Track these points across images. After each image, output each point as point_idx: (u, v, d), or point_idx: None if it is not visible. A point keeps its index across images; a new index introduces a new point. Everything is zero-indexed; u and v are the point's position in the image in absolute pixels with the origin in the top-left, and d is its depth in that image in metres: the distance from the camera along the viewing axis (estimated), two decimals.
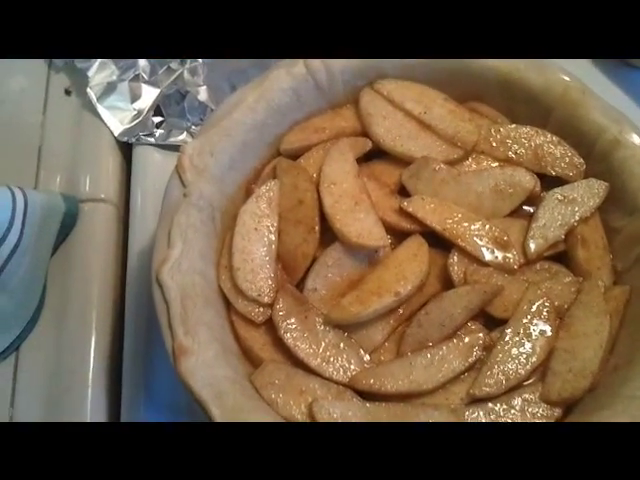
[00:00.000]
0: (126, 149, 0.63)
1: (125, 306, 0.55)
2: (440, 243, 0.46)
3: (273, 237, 0.46)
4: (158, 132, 0.62)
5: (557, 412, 0.41)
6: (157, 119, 0.62)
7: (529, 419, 0.40)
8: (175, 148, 0.63)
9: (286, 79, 0.50)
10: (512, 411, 0.40)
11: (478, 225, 0.46)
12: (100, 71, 0.64)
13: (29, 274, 0.51)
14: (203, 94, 0.63)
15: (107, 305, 0.54)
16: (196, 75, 0.63)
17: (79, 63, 0.64)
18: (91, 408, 0.50)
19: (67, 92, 0.65)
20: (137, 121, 0.62)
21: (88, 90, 0.62)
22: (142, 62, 0.64)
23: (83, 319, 0.53)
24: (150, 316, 0.54)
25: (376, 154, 0.51)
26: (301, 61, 0.50)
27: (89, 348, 0.52)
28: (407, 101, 0.51)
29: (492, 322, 0.44)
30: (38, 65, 0.66)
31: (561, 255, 0.47)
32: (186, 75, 0.63)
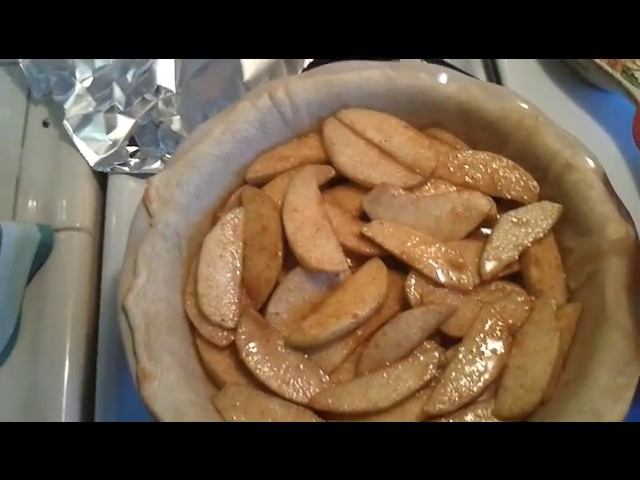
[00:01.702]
0: (101, 178, 0.65)
1: (99, 334, 0.56)
2: (399, 266, 0.48)
3: (238, 263, 0.48)
4: (133, 161, 0.64)
5: None
6: (132, 149, 0.64)
7: None
8: (149, 176, 0.64)
9: (251, 111, 0.52)
10: None
11: (434, 248, 0.47)
12: (77, 103, 0.66)
13: (4, 304, 0.52)
14: (176, 124, 0.65)
15: (81, 333, 0.56)
16: (170, 105, 0.65)
17: (56, 96, 0.66)
18: None
19: (45, 124, 0.67)
20: (112, 151, 0.64)
21: (65, 122, 0.64)
22: (117, 93, 0.66)
23: (57, 348, 0.55)
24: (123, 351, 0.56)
25: (339, 181, 0.53)
26: (266, 94, 0.52)
27: (62, 377, 0.54)
28: (368, 129, 0.53)
29: (448, 341, 0.46)
30: (17, 97, 0.68)
31: (516, 275, 0.49)
32: (160, 105, 0.65)
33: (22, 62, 0.67)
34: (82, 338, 0.56)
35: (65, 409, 0.52)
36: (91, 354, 0.56)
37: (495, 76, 0.73)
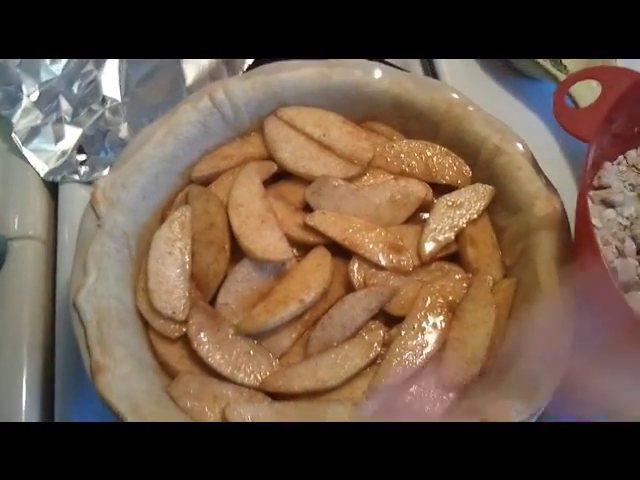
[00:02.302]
0: (52, 187, 0.66)
1: (55, 338, 0.57)
2: (343, 252, 0.50)
3: (187, 258, 0.50)
4: (82, 169, 0.65)
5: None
6: (81, 157, 0.65)
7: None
8: None
9: (193, 113, 0.53)
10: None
11: (374, 233, 0.50)
12: (24, 116, 0.66)
13: None
14: (124, 131, 0.66)
15: (38, 338, 0.57)
16: (117, 114, 0.67)
17: (3, 110, 0.67)
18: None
19: None
20: (62, 161, 0.65)
21: (13, 135, 0.65)
22: (64, 105, 0.67)
23: (14, 354, 0.55)
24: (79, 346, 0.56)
25: (282, 175, 0.55)
26: (206, 96, 0.54)
27: (21, 383, 0.54)
28: (308, 125, 0.55)
29: (392, 320, 0.48)
30: None
31: (455, 255, 0.51)
32: (107, 115, 0.67)
33: None
34: (39, 343, 0.56)
35: (25, 412, 0.53)
36: (48, 358, 0.56)
37: (430, 67, 0.75)
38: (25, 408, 0.53)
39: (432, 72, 0.75)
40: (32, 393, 0.54)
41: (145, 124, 0.65)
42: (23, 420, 0.53)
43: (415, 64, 0.76)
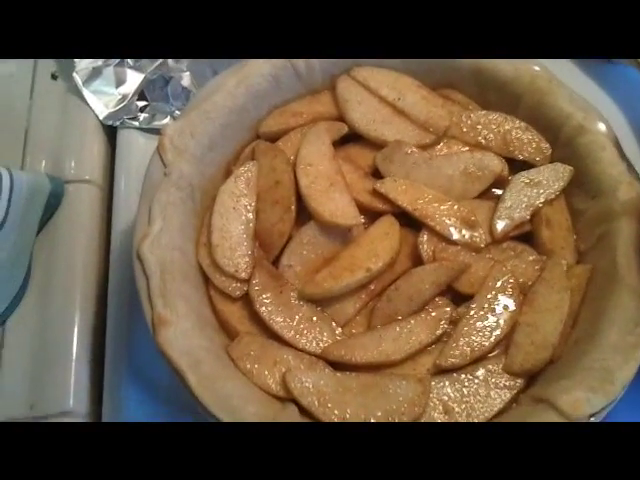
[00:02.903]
0: (110, 132, 0.64)
1: (108, 284, 0.56)
2: (411, 223, 0.48)
3: (251, 216, 0.48)
4: (142, 116, 0.64)
5: (519, 382, 0.43)
6: (141, 103, 0.64)
7: (492, 389, 0.42)
8: (158, 132, 0.63)
9: (265, 65, 0.51)
10: (476, 381, 0.42)
11: (447, 206, 0.48)
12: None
13: (14, 252, 0.52)
14: (186, 80, 0.64)
15: (91, 283, 0.56)
16: (179, 62, 0.65)
17: None
18: (74, 383, 0.52)
19: (53, 76, 0.66)
20: (122, 105, 0.64)
21: (74, 75, 0.64)
22: None
23: (67, 296, 0.55)
24: (132, 294, 0.55)
25: (352, 138, 0.53)
26: None
27: (73, 325, 0.54)
28: (382, 87, 0.53)
29: (459, 298, 0.46)
30: None
31: (527, 235, 0.49)
32: (170, 61, 0.65)
33: None
34: (92, 287, 0.56)
35: (75, 357, 0.53)
36: (101, 303, 0.56)
37: None
38: (75, 358, 0.52)
39: None
40: (83, 343, 0.53)
41: (208, 74, 0.65)
42: (73, 367, 0.52)
43: None
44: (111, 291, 0.56)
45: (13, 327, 0.54)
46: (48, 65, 0.67)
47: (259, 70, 0.51)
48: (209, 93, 0.50)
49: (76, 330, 0.54)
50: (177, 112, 0.64)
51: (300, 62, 0.52)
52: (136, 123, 0.63)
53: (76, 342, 0.53)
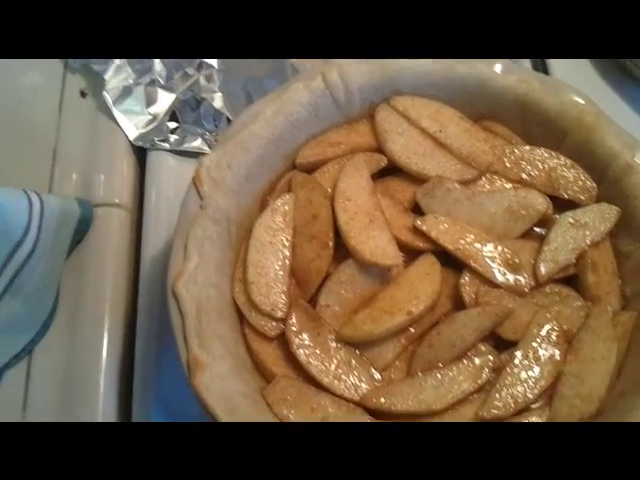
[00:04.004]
0: (140, 154, 0.63)
1: (137, 311, 0.55)
2: (451, 262, 0.47)
3: (287, 252, 0.47)
4: (173, 137, 0.63)
5: None
6: (172, 125, 0.63)
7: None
8: (189, 154, 0.63)
9: (304, 93, 0.50)
10: None
11: (490, 246, 0.46)
12: (116, 74, 0.64)
13: (43, 279, 0.51)
14: (218, 101, 0.63)
15: (119, 309, 0.55)
16: (212, 82, 0.64)
17: (95, 65, 0.64)
18: (102, 411, 0.51)
19: (82, 94, 0.65)
20: (152, 126, 0.63)
21: (104, 93, 0.63)
22: (158, 66, 0.64)
23: (95, 323, 0.54)
24: (162, 321, 0.55)
25: (390, 170, 0.51)
26: (319, 76, 0.50)
27: (101, 352, 0.53)
28: (423, 118, 0.51)
29: (501, 343, 0.45)
30: (54, 65, 0.67)
31: (571, 278, 0.48)
32: (202, 81, 0.63)
33: None
34: (120, 314, 0.55)
35: (103, 383, 0.51)
36: (129, 330, 0.55)
37: (543, 71, 0.71)
38: (103, 385, 0.51)
39: (541, 62, 0.71)
40: (110, 371, 0.52)
41: (241, 96, 0.63)
42: (101, 393, 0.51)
43: (526, 62, 0.71)
44: (140, 317, 0.55)
45: (40, 354, 0.53)
46: (77, 81, 0.66)
47: (298, 98, 0.50)
48: (246, 122, 0.49)
49: (104, 358, 0.53)
50: (208, 134, 0.63)
51: (340, 89, 0.51)
52: (166, 145, 0.62)
53: (104, 370, 0.52)
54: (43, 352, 0.53)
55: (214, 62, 0.64)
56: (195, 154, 0.63)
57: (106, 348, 0.53)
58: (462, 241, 0.46)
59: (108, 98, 0.63)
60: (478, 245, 0.46)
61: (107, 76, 0.63)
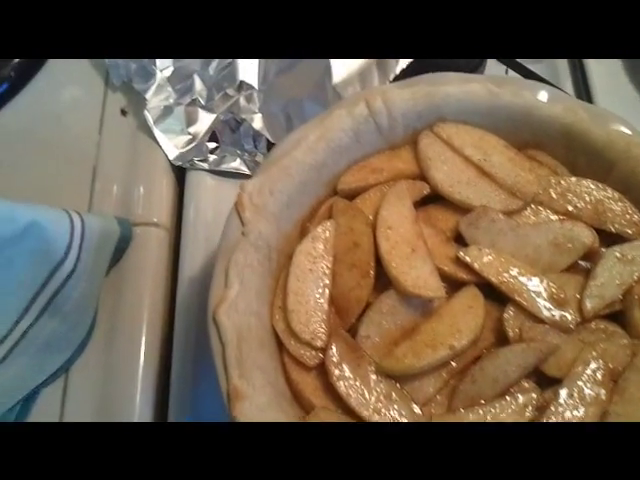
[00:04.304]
0: (179, 173, 0.64)
1: (174, 331, 0.56)
2: (495, 294, 0.46)
3: (327, 280, 0.46)
4: (212, 157, 0.63)
5: None
6: (212, 145, 0.63)
7: None
8: (227, 174, 0.63)
9: (347, 120, 0.50)
10: None
11: (535, 280, 0.45)
12: (157, 94, 0.64)
13: (83, 298, 0.52)
14: (258, 122, 0.63)
15: (156, 329, 0.55)
16: (252, 102, 0.64)
17: (136, 84, 0.65)
18: None
19: (123, 112, 0.66)
20: (192, 146, 0.63)
21: (145, 112, 0.63)
22: (199, 86, 0.64)
23: (132, 342, 0.54)
24: (198, 342, 0.55)
25: (432, 197, 0.51)
26: (362, 102, 0.50)
27: (137, 371, 0.53)
28: (467, 146, 0.51)
29: (544, 379, 0.44)
30: (95, 82, 0.68)
31: (617, 315, 0.47)
32: (242, 102, 0.64)
33: None
34: (157, 334, 0.55)
35: (139, 404, 0.52)
36: (166, 349, 0.55)
37: (585, 91, 0.70)
38: (139, 405, 0.51)
39: (585, 93, 0.70)
40: (146, 392, 0.52)
41: (280, 117, 0.63)
42: (136, 412, 0.51)
43: (566, 81, 0.71)
44: (176, 338, 0.55)
45: (77, 372, 0.53)
46: (118, 99, 0.67)
47: (340, 124, 0.50)
48: (288, 148, 0.49)
49: (140, 378, 0.53)
50: (247, 155, 0.63)
51: (383, 116, 0.50)
52: (205, 165, 0.62)
53: (139, 390, 0.53)
54: (80, 370, 0.53)
55: (254, 83, 0.64)
56: (233, 174, 0.63)
57: (142, 367, 0.53)
58: (506, 274, 0.46)
59: (149, 117, 0.63)
60: (523, 279, 0.45)
61: (148, 95, 0.64)
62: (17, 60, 0.68)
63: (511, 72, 0.71)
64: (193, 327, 0.55)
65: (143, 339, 0.54)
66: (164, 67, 0.66)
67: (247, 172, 0.63)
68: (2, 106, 0.66)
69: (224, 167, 0.62)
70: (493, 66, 0.71)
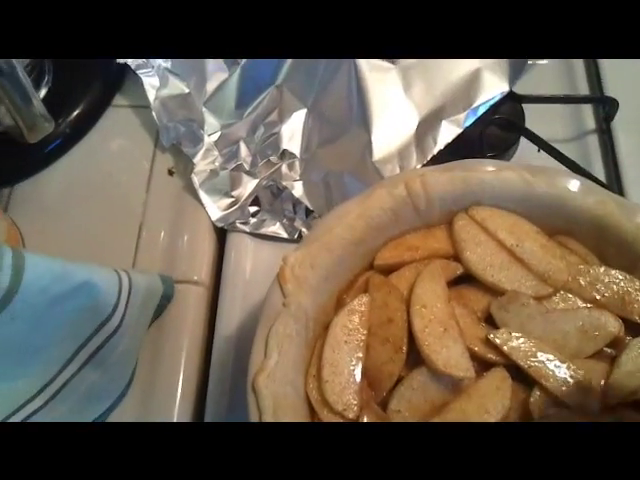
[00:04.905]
0: (220, 234, 0.66)
1: (208, 386, 0.58)
2: (521, 375, 0.48)
3: (361, 353, 0.48)
4: (252, 221, 0.66)
5: None
6: (253, 209, 0.66)
7: None
8: (266, 237, 0.66)
9: (387, 199, 0.52)
10: None
11: (563, 367, 0.47)
12: (204, 157, 0.68)
13: (125, 352, 0.54)
14: (298, 189, 0.66)
15: (191, 383, 0.57)
16: (293, 170, 0.67)
17: (185, 147, 0.68)
18: None
19: (170, 173, 0.69)
20: (234, 208, 0.66)
21: (192, 176, 0.66)
22: (244, 152, 0.68)
23: (168, 395, 0.56)
24: (231, 398, 0.57)
25: (463, 277, 0.53)
26: (402, 184, 0.53)
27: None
28: (500, 230, 0.53)
29: None
30: (145, 142, 0.71)
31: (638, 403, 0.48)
32: (284, 169, 0.67)
33: (154, 107, 0.69)
34: (192, 388, 0.57)
35: None
36: (200, 404, 0.57)
37: (619, 193, 0.71)
38: None
39: (616, 180, 0.72)
40: None
41: (320, 187, 0.66)
42: None
43: (599, 168, 0.73)
44: (210, 394, 0.57)
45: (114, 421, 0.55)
46: (166, 160, 0.70)
47: (381, 203, 0.52)
48: (331, 224, 0.51)
49: None
50: (286, 220, 0.66)
51: (421, 198, 0.53)
52: (246, 227, 0.65)
53: None
54: (116, 420, 0.55)
55: (297, 152, 0.67)
56: (272, 237, 0.66)
57: (176, 420, 0.55)
58: (534, 358, 0.47)
59: (195, 179, 0.66)
60: (550, 364, 0.47)
61: (196, 159, 0.67)
62: (73, 116, 0.72)
63: (543, 153, 0.73)
64: (227, 383, 0.57)
65: (179, 393, 0.56)
66: (212, 132, 0.69)
67: (285, 236, 0.66)
68: (55, 161, 0.70)
69: (263, 230, 0.65)
70: (525, 146, 0.73)
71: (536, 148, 0.74)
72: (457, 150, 0.65)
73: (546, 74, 0.77)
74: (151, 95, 0.70)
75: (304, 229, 0.65)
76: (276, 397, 0.44)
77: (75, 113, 0.71)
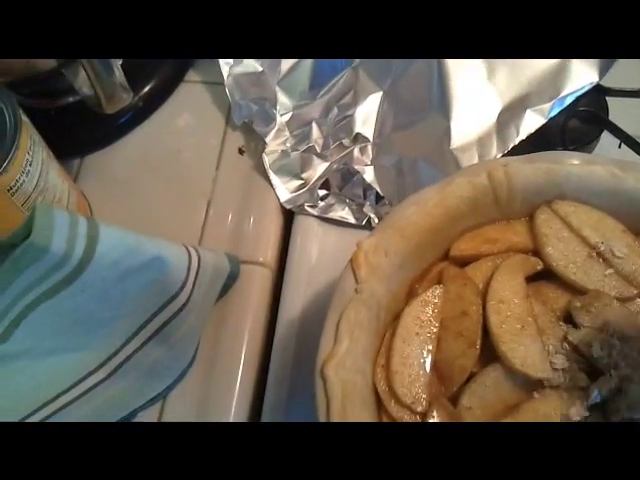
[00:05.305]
0: (287, 216, 0.65)
1: (269, 372, 0.57)
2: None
3: (432, 345, 0.47)
4: (321, 204, 0.64)
5: None
6: (322, 192, 0.65)
7: None
8: (334, 221, 0.64)
9: (467, 188, 0.50)
10: None
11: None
12: (276, 137, 0.67)
13: (190, 330, 0.54)
14: (369, 174, 0.64)
15: (253, 365, 0.57)
16: (365, 154, 0.65)
17: (257, 126, 0.67)
18: None
19: (240, 151, 0.68)
20: (303, 191, 0.65)
21: (263, 155, 0.65)
22: (315, 134, 0.66)
23: (229, 375, 0.56)
24: (292, 381, 0.56)
25: (541, 273, 0.50)
26: (485, 173, 0.51)
27: (231, 403, 0.55)
28: (584, 227, 0.50)
29: None
30: (216, 119, 0.70)
31: None
32: (356, 153, 0.65)
33: (227, 84, 0.69)
34: (253, 370, 0.57)
35: None
36: (260, 387, 0.57)
37: None
38: None
39: None
40: (240, 415, 0.54)
41: (391, 172, 0.64)
42: None
43: None
44: (271, 377, 0.57)
45: (173, 400, 0.55)
46: (237, 138, 0.69)
47: (460, 192, 0.50)
48: (407, 210, 0.50)
49: (233, 411, 0.54)
50: (355, 205, 0.64)
51: (503, 189, 0.51)
52: (314, 211, 0.64)
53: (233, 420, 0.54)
54: (176, 398, 0.55)
55: (370, 136, 0.65)
56: (339, 222, 0.65)
57: (236, 400, 0.55)
58: None
59: (266, 159, 0.65)
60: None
61: (268, 139, 0.66)
62: (146, 90, 0.72)
63: (624, 147, 0.69)
64: (289, 367, 0.56)
65: (240, 373, 0.56)
66: (284, 112, 0.68)
67: (353, 221, 0.64)
68: (126, 134, 0.70)
69: (331, 214, 0.64)
70: (605, 141, 0.70)
71: (617, 144, 0.71)
72: (537, 141, 0.62)
73: (632, 66, 0.73)
74: (225, 72, 0.69)
75: (373, 215, 0.64)
76: (345, 385, 0.43)
77: (148, 87, 0.71)
